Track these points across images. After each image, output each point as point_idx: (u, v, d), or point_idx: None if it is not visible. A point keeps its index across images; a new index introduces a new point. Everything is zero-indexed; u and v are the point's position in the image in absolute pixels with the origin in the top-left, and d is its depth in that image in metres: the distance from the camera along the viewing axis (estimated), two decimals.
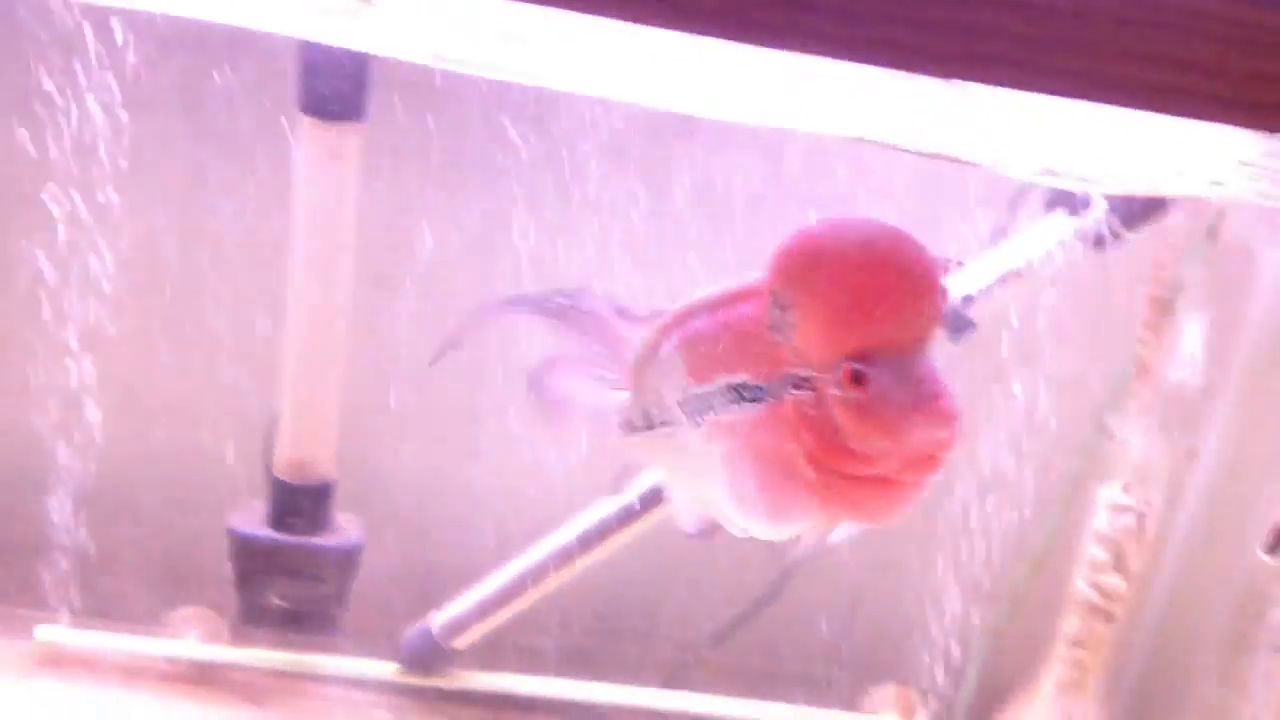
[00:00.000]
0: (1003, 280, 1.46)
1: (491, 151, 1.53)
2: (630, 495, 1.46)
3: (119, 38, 1.42)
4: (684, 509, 0.88)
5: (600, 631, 1.77)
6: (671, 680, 1.74)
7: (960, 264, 1.42)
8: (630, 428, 0.87)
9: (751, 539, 0.81)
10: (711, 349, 0.79)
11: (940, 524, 1.59)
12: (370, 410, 1.63)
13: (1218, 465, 1.67)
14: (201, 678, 1.67)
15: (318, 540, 1.62)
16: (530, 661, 1.71)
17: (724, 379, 0.77)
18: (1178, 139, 0.76)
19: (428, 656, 1.68)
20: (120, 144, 1.51)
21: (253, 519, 1.62)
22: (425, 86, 1.41)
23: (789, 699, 1.74)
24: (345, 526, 1.64)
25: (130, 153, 1.53)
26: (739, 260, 0.81)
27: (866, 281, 0.71)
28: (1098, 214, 1.45)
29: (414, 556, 1.68)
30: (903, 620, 1.69)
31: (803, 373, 0.73)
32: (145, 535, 1.69)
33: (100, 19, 1.41)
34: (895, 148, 0.94)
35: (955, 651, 1.70)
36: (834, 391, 0.71)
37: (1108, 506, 1.58)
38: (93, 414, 1.60)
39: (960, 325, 1.30)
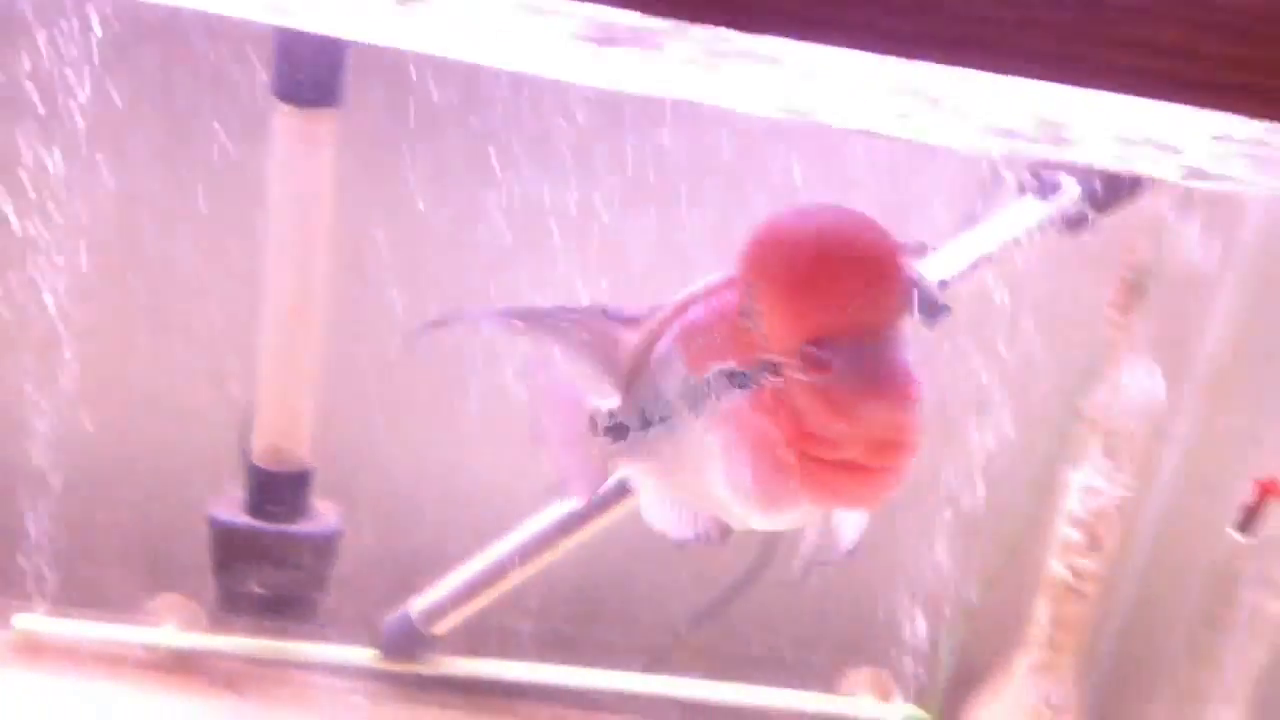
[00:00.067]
0: (975, 264, 1.46)
1: (470, 137, 1.53)
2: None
3: (92, 21, 1.41)
4: (677, 516, 0.88)
5: (580, 616, 1.77)
6: (652, 664, 1.75)
7: (930, 248, 1.42)
8: (619, 433, 0.87)
9: (750, 533, 0.82)
10: (706, 338, 0.79)
11: (914, 506, 1.59)
12: (348, 396, 1.63)
13: (1189, 445, 1.69)
14: (181, 665, 1.67)
15: (296, 527, 1.61)
16: (510, 647, 1.71)
17: (717, 366, 0.78)
18: (1149, 121, 0.77)
19: (407, 642, 1.68)
20: (93, 131, 1.51)
21: (231, 506, 1.62)
22: (402, 71, 1.41)
23: (766, 682, 1.75)
24: (324, 513, 1.64)
25: (103, 139, 1.52)
26: (720, 247, 0.81)
27: (821, 266, 0.71)
28: (1068, 197, 1.46)
29: (393, 543, 1.68)
30: (878, 603, 1.70)
31: (773, 359, 0.73)
32: (123, 523, 1.69)
33: (75, 1, 1.41)
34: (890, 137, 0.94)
35: (931, 634, 1.71)
36: (797, 376, 0.71)
37: (1080, 488, 1.60)
38: (69, 402, 1.60)
39: (934, 309, 1.30)
